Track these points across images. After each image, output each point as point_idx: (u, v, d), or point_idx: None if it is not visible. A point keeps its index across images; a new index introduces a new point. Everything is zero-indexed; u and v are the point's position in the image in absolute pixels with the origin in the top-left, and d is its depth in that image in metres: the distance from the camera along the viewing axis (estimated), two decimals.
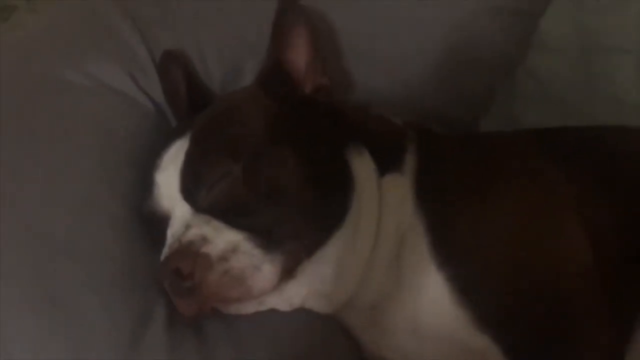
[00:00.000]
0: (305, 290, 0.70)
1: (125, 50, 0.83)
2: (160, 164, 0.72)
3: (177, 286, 0.64)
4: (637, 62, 0.98)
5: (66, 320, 0.66)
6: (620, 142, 0.81)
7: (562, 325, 0.67)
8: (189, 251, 0.64)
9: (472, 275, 0.69)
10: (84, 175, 0.74)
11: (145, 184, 0.73)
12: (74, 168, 0.74)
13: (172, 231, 0.67)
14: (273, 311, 0.70)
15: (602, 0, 0.99)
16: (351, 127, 0.77)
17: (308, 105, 0.76)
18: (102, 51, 0.83)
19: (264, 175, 0.68)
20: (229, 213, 0.66)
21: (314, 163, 0.70)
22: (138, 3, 0.86)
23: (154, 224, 0.71)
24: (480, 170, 0.76)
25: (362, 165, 0.74)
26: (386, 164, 0.75)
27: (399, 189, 0.74)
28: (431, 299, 0.69)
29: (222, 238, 0.65)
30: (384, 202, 0.73)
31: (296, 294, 0.69)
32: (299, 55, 0.77)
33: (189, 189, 0.68)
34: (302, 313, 0.72)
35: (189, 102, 0.82)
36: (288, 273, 0.67)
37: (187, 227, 0.66)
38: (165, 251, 0.66)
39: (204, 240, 0.65)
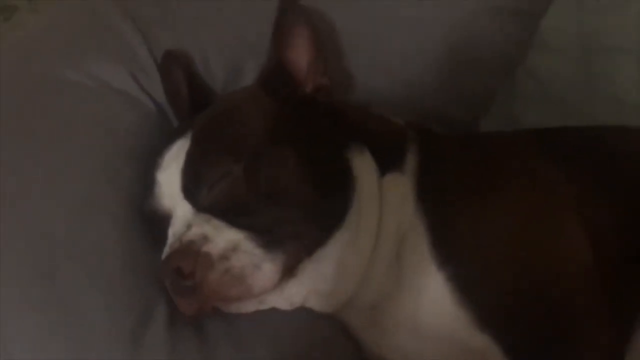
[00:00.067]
0: (306, 289, 0.70)
1: (127, 50, 0.83)
2: (162, 164, 0.72)
3: (178, 285, 0.64)
4: (637, 62, 0.98)
5: (66, 319, 0.66)
6: (620, 142, 0.82)
7: (562, 325, 0.67)
8: (190, 250, 0.64)
9: (472, 275, 0.69)
10: (84, 174, 0.74)
11: (146, 183, 0.73)
12: (75, 167, 0.74)
13: (173, 230, 0.67)
14: (274, 310, 0.70)
15: (602, 1, 1.00)
16: (352, 126, 0.77)
17: (309, 105, 0.76)
18: (103, 51, 0.83)
19: (264, 174, 0.68)
20: (229, 212, 0.66)
21: (314, 163, 0.70)
22: (139, 3, 0.86)
23: (155, 223, 0.71)
24: (481, 170, 0.76)
25: (363, 165, 0.74)
26: (387, 163, 0.76)
27: (400, 188, 0.74)
28: (431, 298, 0.69)
29: (223, 237, 0.65)
30: (385, 202, 0.74)
31: (297, 293, 0.70)
32: (300, 55, 0.77)
33: (190, 188, 0.68)
34: (302, 312, 0.72)
35: (190, 102, 0.82)
36: (289, 272, 0.67)
37: (188, 226, 0.66)
38: (166, 250, 0.66)
39: (205, 239, 0.65)
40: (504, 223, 0.71)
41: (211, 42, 0.86)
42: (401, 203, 0.74)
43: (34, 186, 0.72)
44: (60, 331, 0.66)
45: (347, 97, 0.89)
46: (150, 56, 0.83)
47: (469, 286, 0.68)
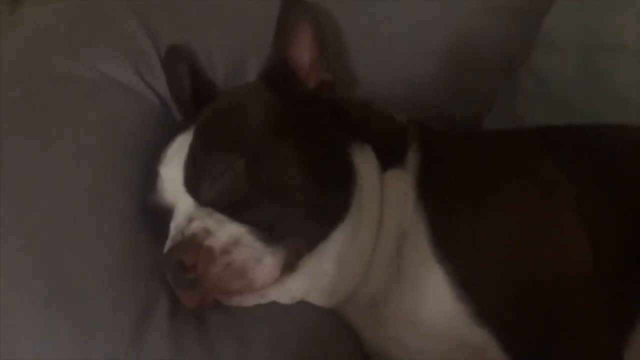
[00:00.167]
0: (307, 284, 0.70)
1: (131, 45, 0.84)
2: (164, 158, 0.73)
3: (180, 278, 0.65)
4: (639, 62, 0.98)
5: (70, 311, 0.67)
6: (621, 141, 0.82)
7: (561, 323, 0.67)
8: (192, 243, 0.65)
9: (472, 272, 0.69)
10: (88, 168, 0.75)
11: (149, 177, 0.73)
12: (78, 161, 0.75)
13: (176, 224, 0.68)
14: (275, 304, 0.71)
15: (604, 0, 1.00)
16: (354, 123, 0.77)
17: (311, 101, 0.76)
18: (108, 46, 0.83)
19: (266, 169, 0.68)
20: (231, 206, 0.67)
21: (316, 158, 0.70)
22: None
23: (157, 216, 0.72)
24: (482, 168, 0.76)
25: (364, 161, 0.74)
26: (388, 160, 0.76)
27: (401, 184, 0.75)
28: (431, 294, 0.70)
29: (225, 231, 0.65)
30: (386, 198, 0.74)
31: (297, 288, 0.70)
32: (303, 51, 0.77)
33: (192, 182, 0.69)
34: (303, 307, 0.73)
35: (193, 97, 0.82)
36: (290, 266, 0.67)
37: (190, 219, 0.67)
38: (169, 243, 0.67)
39: (207, 232, 0.65)
40: (504, 221, 0.71)
41: (215, 38, 0.86)
42: (402, 199, 0.74)
43: (39, 179, 0.73)
44: (64, 322, 0.66)
45: (349, 95, 0.89)
46: (154, 51, 0.83)
47: (469, 282, 0.69)
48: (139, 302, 0.69)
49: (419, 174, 0.75)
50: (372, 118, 0.81)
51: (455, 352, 0.71)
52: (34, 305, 0.67)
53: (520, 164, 0.78)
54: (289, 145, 0.70)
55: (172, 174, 0.71)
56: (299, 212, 0.68)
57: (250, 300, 0.70)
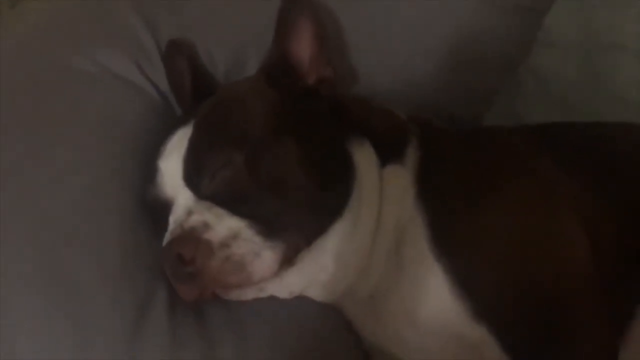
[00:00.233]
0: (305, 278, 0.70)
1: (132, 39, 0.84)
2: (164, 152, 0.73)
3: (178, 271, 0.65)
4: (639, 61, 0.99)
5: (69, 303, 0.67)
6: (621, 140, 0.82)
7: (560, 322, 0.67)
8: (191, 237, 0.65)
9: (470, 269, 0.69)
10: (89, 162, 0.75)
11: (149, 171, 0.73)
12: (79, 155, 0.75)
13: (175, 217, 0.68)
14: (274, 299, 0.71)
15: (605, 0, 1.00)
16: (354, 119, 0.77)
17: (311, 97, 0.76)
18: (108, 40, 0.83)
19: (266, 164, 0.68)
20: (230, 200, 0.67)
21: (315, 153, 0.70)
22: None
23: (157, 210, 0.72)
24: (482, 165, 0.76)
25: (364, 157, 0.74)
26: (388, 155, 0.76)
27: (400, 180, 0.75)
28: (429, 290, 0.70)
29: (224, 224, 0.66)
30: (385, 194, 0.74)
31: (296, 282, 0.70)
32: (303, 47, 0.77)
33: (192, 176, 0.69)
34: (302, 301, 0.73)
35: (193, 91, 0.82)
36: (288, 261, 0.67)
37: (189, 213, 0.67)
38: (168, 237, 0.67)
39: (206, 226, 0.65)
40: (503, 219, 0.71)
41: (216, 32, 0.86)
42: (401, 195, 0.74)
43: (38, 175, 0.73)
44: (63, 315, 0.67)
45: (350, 92, 0.89)
46: (155, 45, 0.84)
47: (467, 279, 0.69)
48: (137, 297, 0.69)
49: (418, 170, 0.76)
50: (372, 114, 0.81)
51: (453, 349, 0.71)
52: (33, 303, 0.67)
53: (520, 162, 0.78)
54: (289, 140, 0.70)
55: (171, 167, 0.71)
56: (298, 206, 0.68)
57: (249, 294, 0.70)
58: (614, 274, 0.70)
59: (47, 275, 0.68)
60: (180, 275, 0.65)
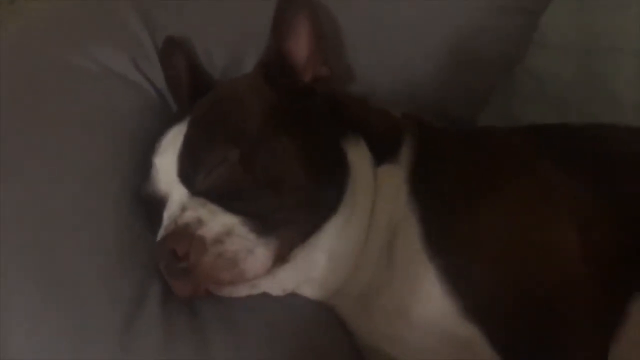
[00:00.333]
0: (298, 275, 0.71)
1: (129, 36, 0.84)
2: (159, 148, 0.73)
3: (172, 267, 0.65)
4: (636, 63, 0.99)
5: (64, 295, 0.68)
6: (617, 142, 0.82)
7: (551, 322, 0.68)
8: (185, 233, 0.65)
9: (463, 267, 0.69)
10: (85, 157, 0.75)
11: (144, 167, 0.74)
12: (75, 150, 0.75)
13: (169, 213, 0.68)
14: (267, 296, 0.72)
15: (603, 0, 1.00)
16: (349, 117, 0.78)
17: (307, 95, 0.76)
18: (105, 36, 0.84)
19: (261, 161, 0.68)
20: (225, 197, 0.67)
21: (310, 151, 0.71)
22: None
23: (152, 205, 0.72)
24: (477, 165, 0.77)
25: (358, 155, 0.75)
26: (382, 154, 0.76)
27: (394, 179, 0.75)
28: (422, 288, 0.70)
29: (218, 221, 0.66)
30: (379, 192, 0.74)
31: (289, 279, 0.71)
32: (300, 45, 0.78)
33: (186, 173, 0.69)
34: (295, 299, 0.73)
35: (190, 88, 0.82)
36: (281, 258, 0.68)
37: (184, 209, 0.67)
38: (162, 232, 0.67)
39: (200, 222, 0.66)
40: (496, 219, 0.71)
41: (213, 30, 0.86)
42: (395, 194, 0.74)
43: (36, 167, 0.73)
44: (57, 306, 0.67)
45: (347, 91, 0.89)
46: (152, 42, 0.84)
47: (459, 278, 0.69)
48: (132, 292, 0.70)
49: (412, 169, 0.76)
50: (367, 113, 0.81)
51: (445, 347, 0.71)
52: (29, 299, 0.67)
53: (516, 162, 0.78)
54: (284, 138, 0.70)
55: (166, 164, 0.71)
56: (292, 203, 0.68)
57: (242, 291, 0.70)
58: (609, 274, 0.70)
59: (43, 272, 0.68)
60: (173, 270, 0.66)
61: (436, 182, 0.75)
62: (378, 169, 0.76)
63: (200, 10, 0.87)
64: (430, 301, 0.70)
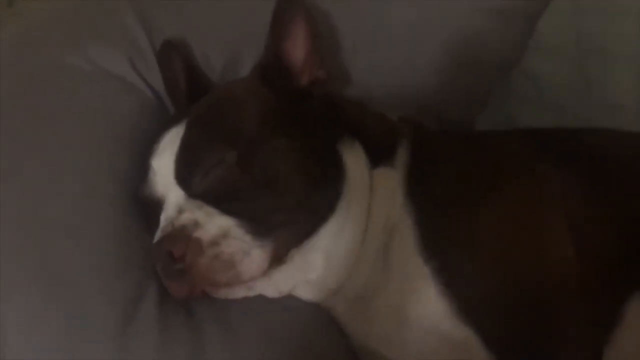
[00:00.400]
0: (294, 277, 0.71)
1: (127, 38, 0.84)
2: (157, 150, 0.74)
3: (168, 268, 0.66)
4: (632, 67, 0.99)
5: (61, 295, 0.68)
6: (613, 145, 0.82)
7: (544, 324, 0.68)
8: (182, 235, 0.65)
9: (458, 270, 0.70)
10: (81, 158, 0.76)
11: (142, 169, 0.74)
12: (72, 151, 0.76)
13: (166, 215, 0.69)
14: (263, 298, 0.72)
15: (600, 4, 1.00)
16: (345, 120, 0.78)
17: (304, 97, 0.77)
18: (103, 38, 0.84)
19: (257, 163, 0.69)
20: (221, 199, 0.67)
21: (307, 154, 0.71)
22: None
23: (149, 207, 0.73)
24: (472, 167, 0.77)
25: (354, 158, 0.75)
26: (378, 157, 0.77)
27: (390, 182, 0.76)
28: (417, 290, 0.70)
29: (214, 223, 0.66)
30: (375, 194, 0.75)
31: (285, 281, 0.71)
32: (297, 48, 0.78)
33: (183, 175, 0.70)
34: (291, 300, 0.74)
35: (188, 91, 0.83)
36: (277, 260, 0.68)
37: (180, 211, 0.67)
38: (159, 234, 0.67)
39: (196, 224, 0.66)
40: (491, 221, 0.72)
41: (211, 32, 0.87)
42: (391, 196, 0.75)
43: (35, 167, 0.74)
44: (54, 308, 0.67)
45: (344, 94, 0.89)
46: (150, 44, 0.84)
47: (454, 280, 0.69)
48: (129, 293, 0.70)
49: (408, 171, 0.76)
50: (363, 116, 0.81)
51: (440, 349, 0.71)
52: (27, 298, 0.68)
53: (511, 166, 0.78)
54: (281, 140, 0.71)
55: (163, 166, 0.71)
56: (288, 206, 0.69)
57: (238, 293, 0.71)
58: (605, 276, 0.71)
59: (42, 272, 0.69)
60: (170, 272, 0.66)
61: (432, 185, 0.75)
62: (374, 171, 0.76)
63: (198, 12, 0.87)
64: (425, 303, 0.70)
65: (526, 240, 0.71)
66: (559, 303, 0.69)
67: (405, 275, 0.71)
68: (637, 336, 0.71)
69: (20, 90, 0.80)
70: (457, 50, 0.90)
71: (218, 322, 0.71)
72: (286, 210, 0.68)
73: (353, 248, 0.73)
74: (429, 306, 0.70)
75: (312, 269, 0.71)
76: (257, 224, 0.66)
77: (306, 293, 0.74)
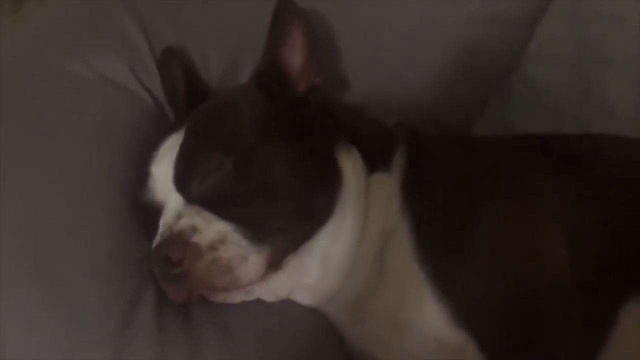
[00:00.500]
0: (291, 282, 0.72)
1: (127, 45, 0.85)
2: (156, 156, 0.75)
3: (166, 273, 0.66)
4: (631, 74, 1.00)
5: (60, 299, 0.69)
6: (608, 151, 0.82)
7: (538, 328, 0.68)
8: (180, 240, 0.66)
9: (453, 275, 0.70)
10: (81, 164, 0.77)
11: (141, 174, 0.75)
12: (72, 157, 0.77)
13: (164, 221, 0.69)
14: (260, 302, 0.73)
15: (599, 11, 1.01)
16: (342, 126, 0.79)
17: (301, 104, 0.77)
18: (103, 44, 0.85)
19: (254, 169, 0.69)
20: (219, 204, 0.68)
21: (303, 159, 0.72)
22: None
23: (148, 213, 0.73)
24: (468, 173, 0.77)
25: (351, 163, 0.76)
26: (375, 163, 0.77)
27: (386, 187, 0.76)
28: (413, 295, 0.71)
29: (212, 228, 0.67)
30: (371, 200, 0.75)
31: (282, 286, 0.72)
32: (294, 55, 0.79)
33: (182, 181, 0.70)
34: (288, 305, 0.74)
35: (187, 98, 0.84)
36: (275, 264, 0.69)
37: (179, 217, 0.68)
38: (157, 239, 0.68)
39: (194, 230, 0.67)
40: (486, 227, 0.72)
41: (210, 39, 0.87)
42: (387, 202, 0.75)
43: (32, 174, 0.74)
44: (53, 310, 0.68)
45: (343, 99, 0.90)
46: (150, 51, 0.85)
47: (450, 284, 0.70)
48: (127, 296, 0.71)
49: (404, 177, 0.77)
50: (360, 122, 0.82)
51: (435, 353, 0.72)
52: (25, 300, 0.69)
53: (507, 172, 0.78)
54: (277, 146, 0.72)
55: (162, 172, 0.72)
56: (285, 211, 0.69)
57: (236, 297, 0.72)
58: (599, 282, 0.71)
59: (41, 275, 0.70)
60: (168, 276, 0.67)
61: (428, 191, 0.76)
62: (370, 177, 0.77)
63: (198, 18, 0.88)
64: (421, 308, 0.71)
65: (521, 246, 0.72)
66: (554, 308, 0.69)
67: (401, 280, 0.72)
68: (633, 338, 0.71)
69: (21, 96, 0.81)
70: (456, 57, 0.91)
71: (216, 326, 0.72)
72: (283, 216, 0.69)
73: (350, 253, 0.73)
74: (424, 311, 0.70)
75: (309, 274, 0.72)
76: (255, 229, 0.67)
77: (303, 297, 0.74)
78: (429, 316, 0.70)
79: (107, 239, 0.74)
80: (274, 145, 0.72)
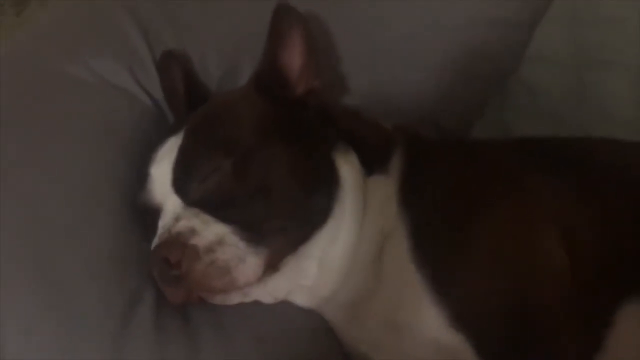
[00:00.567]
0: (289, 284, 0.73)
1: (127, 47, 0.86)
2: (155, 159, 0.75)
3: (165, 274, 0.67)
4: (630, 76, 0.99)
5: (59, 300, 0.69)
6: (605, 155, 0.82)
7: (535, 332, 0.68)
8: (178, 242, 0.67)
9: (450, 278, 0.71)
10: (81, 167, 0.77)
11: (140, 177, 0.76)
12: (72, 160, 0.77)
13: (163, 222, 0.70)
14: (258, 304, 0.74)
15: (597, 14, 1.00)
16: (340, 129, 0.79)
17: (299, 106, 0.78)
18: (103, 47, 0.86)
19: (253, 171, 0.70)
20: (217, 206, 0.69)
21: (301, 162, 0.72)
22: (140, 1, 0.89)
23: (147, 215, 0.74)
24: (466, 176, 0.78)
25: (349, 166, 0.76)
26: (373, 165, 0.78)
27: (384, 190, 0.76)
28: (410, 297, 0.71)
29: (210, 230, 0.67)
30: (369, 202, 0.76)
31: (280, 288, 0.72)
32: (293, 58, 0.79)
33: (180, 183, 0.71)
34: (286, 306, 0.75)
35: (187, 100, 0.84)
36: (272, 266, 0.69)
37: (177, 219, 0.69)
38: (156, 241, 0.69)
39: (193, 232, 0.67)
40: (483, 230, 0.72)
41: (210, 41, 0.88)
42: (385, 204, 0.76)
43: (32, 176, 0.75)
44: (53, 310, 0.69)
45: (342, 101, 0.90)
46: (149, 53, 0.86)
47: (446, 287, 0.70)
48: (126, 297, 0.72)
49: (402, 179, 0.77)
50: (358, 124, 0.82)
51: (433, 355, 0.72)
52: (24, 300, 0.69)
53: (505, 175, 0.78)
54: (276, 148, 0.72)
55: (161, 174, 0.73)
56: (283, 213, 0.70)
57: (234, 299, 0.72)
58: (595, 283, 0.71)
59: (41, 276, 0.70)
60: (166, 277, 0.67)
61: (426, 193, 0.76)
62: (368, 179, 0.77)
63: (197, 20, 0.89)
64: (417, 310, 0.71)
65: (518, 249, 0.72)
66: (553, 309, 0.70)
67: (398, 282, 0.72)
68: (631, 338, 0.71)
69: (21, 98, 0.81)
70: (456, 58, 0.91)
71: (214, 327, 0.73)
72: (281, 218, 0.70)
73: (347, 255, 0.74)
74: (421, 313, 0.70)
75: (306, 276, 0.73)
76: (252, 231, 0.68)
77: (301, 299, 0.75)
78: (427, 318, 0.70)
79: (107, 239, 0.74)
80: (272, 147, 0.72)
